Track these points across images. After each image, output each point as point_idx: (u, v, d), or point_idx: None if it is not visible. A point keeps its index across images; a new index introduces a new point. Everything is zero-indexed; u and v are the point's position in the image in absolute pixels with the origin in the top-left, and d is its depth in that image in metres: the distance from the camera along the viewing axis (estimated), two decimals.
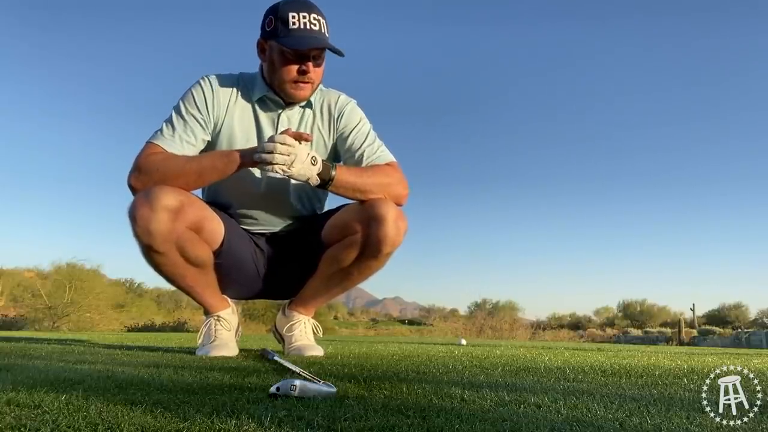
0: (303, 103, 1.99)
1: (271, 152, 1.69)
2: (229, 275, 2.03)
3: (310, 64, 1.86)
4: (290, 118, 1.99)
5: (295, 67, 1.86)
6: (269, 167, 1.71)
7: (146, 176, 1.78)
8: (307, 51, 1.84)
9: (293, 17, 1.81)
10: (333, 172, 1.79)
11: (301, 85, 1.89)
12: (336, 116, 2.03)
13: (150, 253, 1.80)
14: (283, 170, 1.71)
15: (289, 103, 1.96)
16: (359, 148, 1.98)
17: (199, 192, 2.01)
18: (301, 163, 1.72)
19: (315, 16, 1.83)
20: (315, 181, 1.77)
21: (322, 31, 1.84)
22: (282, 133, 1.74)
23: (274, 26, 1.84)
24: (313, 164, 1.75)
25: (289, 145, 1.70)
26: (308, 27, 1.82)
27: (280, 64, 1.87)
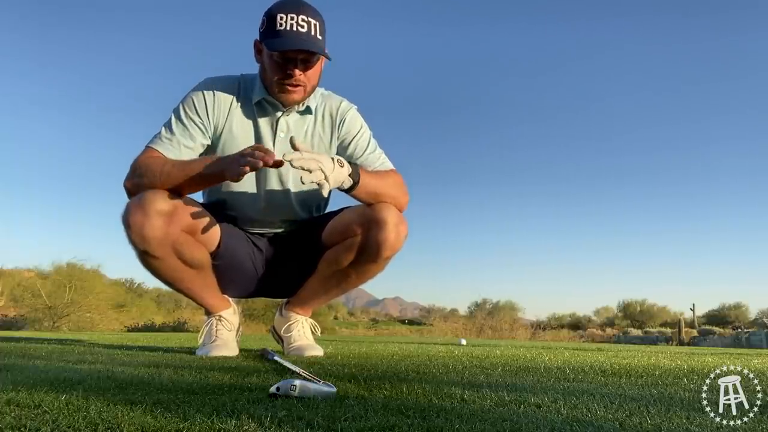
0: (302, 108, 1.95)
1: (308, 167, 1.58)
2: (228, 276, 2.03)
3: (296, 69, 1.80)
4: (289, 123, 1.96)
5: (281, 71, 1.81)
6: (312, 180, 1.60)
7: (141, 180, 1.77)
8: (293, 54, 1.78)
9: (281, 18, 1.75)
10: (359, 173, 1.77)
11: (289, 88, 1.84)
12: (338, 123, 2.01)
13: (146, 258, 1.80)
14: (320, 182, 1.62)
15: (287, 106, 1.93)
16: (361, 155, 1.98)
17: (199, 194, 2.01)
18: (330, 170, 1.64)
19: (304, 17, 1.76)
20: (348, 183, 1.73)
21: (312, 33, 1.76)
22: (270, 143, 1.66)
23: (265, 28, 1.80)
24: (341, 166, 1.69)
25: (311, 152, 1.63)
26: (295, 29, 1.74)
27: (269, 67, 1.83)
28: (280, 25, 1.75)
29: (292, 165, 1.60)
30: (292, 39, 1.75)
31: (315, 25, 1.78)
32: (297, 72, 1.81)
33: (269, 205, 2.01)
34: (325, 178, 1.63)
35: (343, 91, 2.09)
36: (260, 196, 1.99)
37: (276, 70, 1.82)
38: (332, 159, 1.68)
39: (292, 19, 1.75)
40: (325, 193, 1.67)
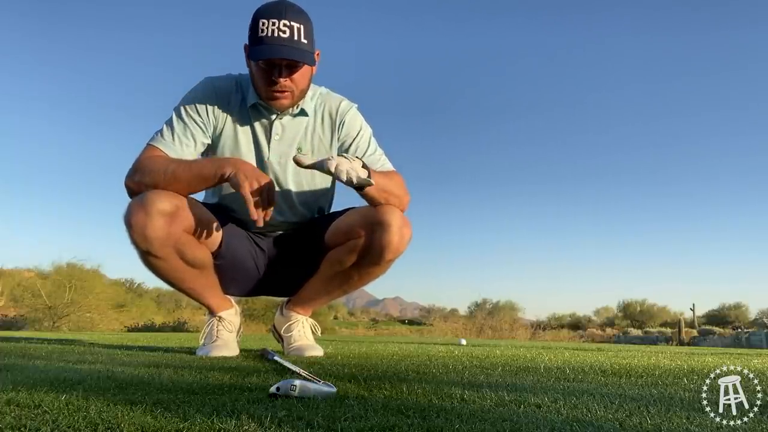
0: (296, 111, 1.95)
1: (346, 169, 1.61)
2: (230, 275, 2.03)
3: (281, 75, 1.78)
4: (284, 125, 1.95)
5: (265, 77, 1.79)
6: (328, 167, 1.61)
7: (143, 179, 1.77)
8: (277, 60, 1.76)
9: (263, 24, 1.73)
10: (369, 168, 1.74)
11: (275, 94, 1.83)
12: (338, 123, 2.00)
13: (148, 258, 1.80)
14: (359, 178, 1.64)
15: (278, 111, 1.92)
16: (361, 157, 1.96)
17: (201, 194, 2.01)
18: (350, 166, 1.64)
19: (286, 22, 1.72)
20: (364, 173, 1.68)
21: (295, 38, 1.73)
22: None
23: (250, 33, 1.78)
24: (352, 161, 1.67)
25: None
26: (276, 35, 1.72)
27: (255, 73, 1.83)
28: (262, 31, 1.73)
29: (302, 165, 1.63)
30: (273, 46, 1.73)
31: (298, 28, 1.75)
32: (281, 79, 1.79)
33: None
34: (333, 161, 1.63)
35: (339, 88, 2.07)
36: None
37: (261, 77, 1.81)
38: (342, 155, 1.67)
39: (273, 24, 1.72)
40: (333, 170, 1.62)
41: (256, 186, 1.67)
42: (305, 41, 1.76)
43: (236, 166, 1.72)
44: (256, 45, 1.75)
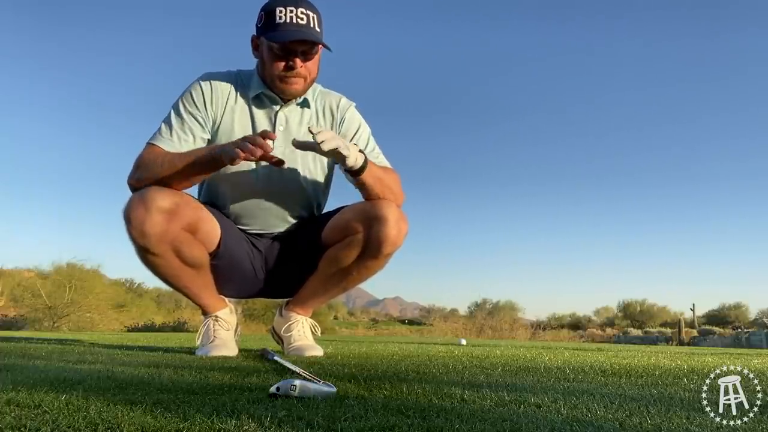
0: (300, 102, 1.98)
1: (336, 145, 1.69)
2: (226, 276, 2.03)
3: (298, 59, 1.84)
4: (288, 116, 1.98)
5: (282, 63, 1.84)
6: (337, 147, 1.70)
7: (143, 175, 1.78)
8: (294, 45, 1.81)
9: (280, 11, 1.79)
10: (365, 155, 1.83)
11: (291, 79, 1.87)
12: (338, 120, 2.03)
13: (145, 254, 1.81)
14: (341, 150, 1.72)
15: (286, 100, 1.95)
16: None
17: (195, 192, 2.01)
18: (344, 144, 1.74)
19: (303, 10, 1.80)
20: (360, 159, 1.79)
21: (311, 25, 1.81)
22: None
23: (263, 22, 1.83)
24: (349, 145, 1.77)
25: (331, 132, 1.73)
26: (294, 21, 1.79)
27: (269, 60, 1.86)
28: (280, 18, 1.79)
29: (322, 149, 1.69)
30: (293, 31, 1.79)
31: (313, 17, 1.82)
32: (298, 62, 1.84)
33: (267, 205, 2.01)
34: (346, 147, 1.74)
35: (341, 87, 2.11)
36: (257, 195, 1.99)
37: (277, 63, 1.85)
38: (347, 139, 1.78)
39: (291, 12, 1.79)
40: (346, 154, 1.73)
41: (248, 144, 1.67)
42: (319, 30, 1.84)
43: (224, 144, 1.77)
44: (275, 30, 1.80)
